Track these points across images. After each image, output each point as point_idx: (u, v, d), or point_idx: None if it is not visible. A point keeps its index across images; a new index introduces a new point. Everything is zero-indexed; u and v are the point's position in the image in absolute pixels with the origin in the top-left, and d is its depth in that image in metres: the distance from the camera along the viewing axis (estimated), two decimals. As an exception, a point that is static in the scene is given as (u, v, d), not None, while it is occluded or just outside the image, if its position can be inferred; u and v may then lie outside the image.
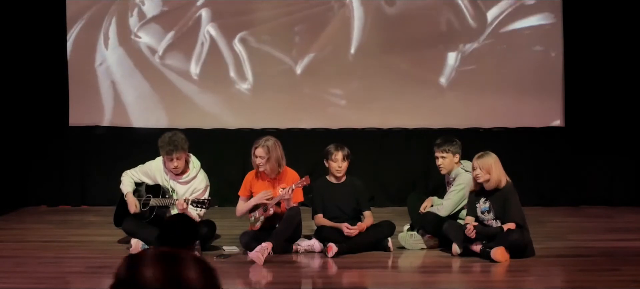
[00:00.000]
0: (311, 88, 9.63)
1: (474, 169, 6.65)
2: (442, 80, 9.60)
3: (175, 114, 9.60)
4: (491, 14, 9.55)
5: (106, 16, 9.57)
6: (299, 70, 9.62)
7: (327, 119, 9.63)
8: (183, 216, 4.94)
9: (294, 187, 6.66)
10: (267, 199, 6.73)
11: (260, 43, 9.60)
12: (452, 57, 9.58)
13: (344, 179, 7.04)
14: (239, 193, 7.03)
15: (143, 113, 9.64)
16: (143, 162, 7.20)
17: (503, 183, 6.60)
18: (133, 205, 6.93)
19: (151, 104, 9.64)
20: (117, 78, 9.63)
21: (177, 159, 6.84)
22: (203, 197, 6.78)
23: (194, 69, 9.61)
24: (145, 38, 9.61)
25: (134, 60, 9.61)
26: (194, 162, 7.04)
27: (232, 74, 9.62)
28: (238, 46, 9.61)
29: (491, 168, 6.57)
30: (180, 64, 9.61)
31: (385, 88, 9.59)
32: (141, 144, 9.13)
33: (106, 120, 9.64)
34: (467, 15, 9.55)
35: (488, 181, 6.58)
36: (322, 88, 9.63)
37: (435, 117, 9.54)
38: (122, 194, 7.12)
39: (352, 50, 9.58)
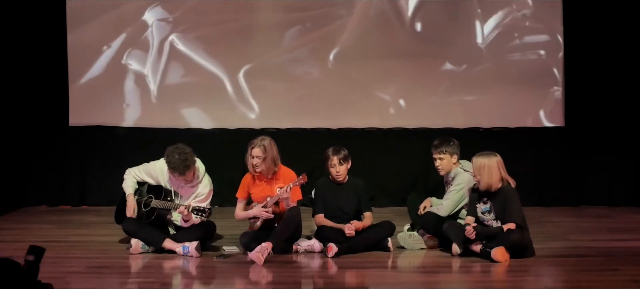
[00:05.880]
0: (311, 88, 9.63)
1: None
2: (442, 80, 9.60)
3: (175, 114, 9.59)
4: (492, 15, 9.55)
5: (106, 16, 9.57)
6: (299, 70, 9.62)
7: (328, 119, 9.62)
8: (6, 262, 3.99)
9: (291, 186, 6.65)
10: (265, 210, 6.72)
11: (260, 42, 9.60)
12: (452, 58, 9.58)
13: (346, 179, 7.04)
14: (237, 195, 7.02)
15: (143, 113, 9.64)
16: (144, 162, 7.18)
17: (498, 186, 6.55)
18: (131, 209, 6.90)
19: (151, 104, 9.64)
20: (117, 78, 9.63)
21: (188, 173, 6.85)
22: (204, 205, 6.74)
23: (193, 68, 9.61)
24: (145, 37, 9.61)
25: (134, 60, 9.61)
26: (200, 167, 7.02)
27: (232, 73, 9.62)
28: (238, 45, 9.61)
29: (481, 169, 6.55)
30: (179, 63, 9.61)
31: (385, 88, 9.60)
32: (142, 144, 9.14)
33: (106, 120, 9.64)
34: (467, 16, 9.55)
35: (479, 182, 6.59)
36: (322, 88, 9.62)
37: (435, 117, 9.53)
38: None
39: (351, 51, 9.57)
